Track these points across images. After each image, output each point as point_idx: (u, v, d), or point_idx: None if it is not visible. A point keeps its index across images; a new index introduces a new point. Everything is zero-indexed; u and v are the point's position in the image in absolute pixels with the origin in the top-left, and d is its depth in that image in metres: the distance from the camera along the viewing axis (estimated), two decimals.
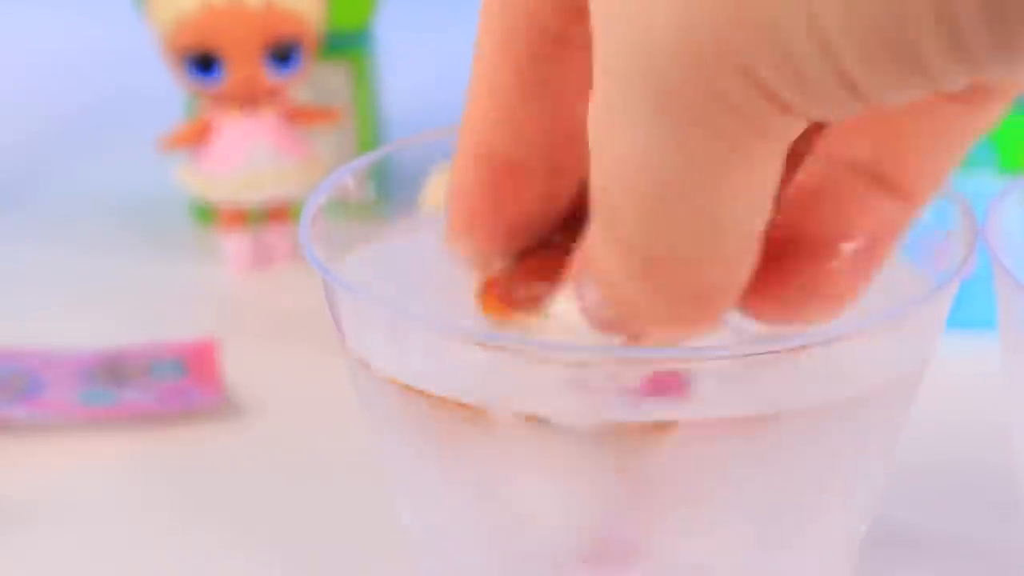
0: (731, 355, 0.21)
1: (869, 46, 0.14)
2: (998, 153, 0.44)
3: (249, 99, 0.45)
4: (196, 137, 0.46)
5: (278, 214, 0.47)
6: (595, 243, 0.18)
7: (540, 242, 0.22)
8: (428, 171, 0.33)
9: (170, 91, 0.49)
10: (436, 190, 0.32)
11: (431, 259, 0.27)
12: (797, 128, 0.16)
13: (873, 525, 0.25)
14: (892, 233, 0.20)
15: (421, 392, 0.22)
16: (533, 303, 0.21)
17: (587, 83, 0.17)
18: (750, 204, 0.17)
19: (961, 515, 0.33)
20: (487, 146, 0.21)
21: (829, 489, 0.23)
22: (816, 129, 0.19)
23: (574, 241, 0.20)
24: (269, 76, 0.44)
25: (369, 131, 0.50)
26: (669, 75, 0.15)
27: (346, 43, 0.49)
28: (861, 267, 0.20)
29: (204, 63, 0.44)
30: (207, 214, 0.48)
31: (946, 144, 0.19)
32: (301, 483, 0.35)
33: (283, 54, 0.44)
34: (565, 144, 0.20)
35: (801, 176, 0.19)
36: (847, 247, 0.20)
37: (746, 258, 0.18)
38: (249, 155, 0.45)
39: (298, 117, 0.46)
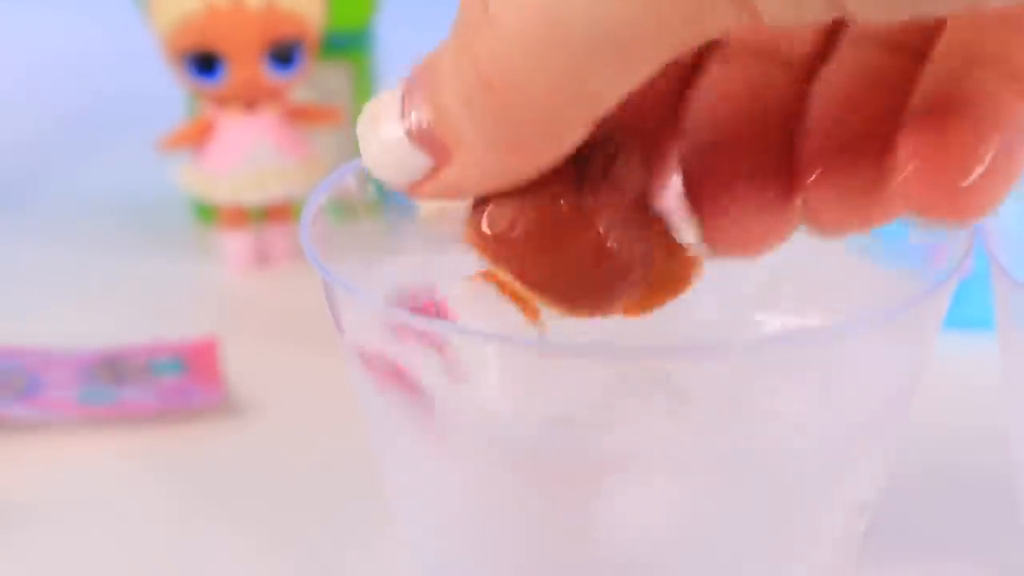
0: (729, 353, 0.21)
1: None
2: None
3: (250, 99, 0.45)
4: (197, 137, 0.46)
5: (278, 214, 0.47)
6: (448, 49, 0.18)
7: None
8: None
9: (171, 91, 0.49)
10: None
11: (430, 259, 0.27)
12: (732, 29, 0.16)
13: (872, 524, 0.25)
14: None
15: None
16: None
17: None
18: (623, 86, 0.16)
19: (960, 514, 0.33)
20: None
21: (828, 489, 0.23)
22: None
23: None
24: (270, 76, 0.44)
25: None
26: None
27: (346, 43, 0.49)
28: (1002, 169, 0.18)
29: (205, 63, 0.44)
30: (208, 213, 0.49)
31: None
32: (300, 481, 0.35)
33: (284, 54, 0.44)
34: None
35: (926, 83, 0.19)
36: (990, 148, 0.18)
37: (573, 136, 0.17)
38: (250, 155, 0.45)
39: (299, 117, 0.46)
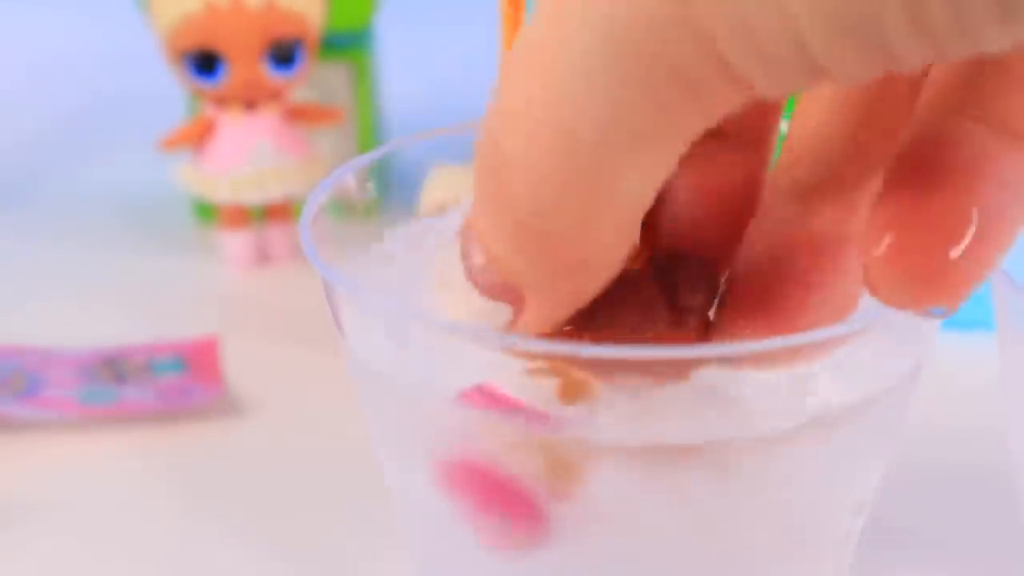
0: (726, 352, 0.21)
1: (834, 27, 0.14)
2: None
3: (250, 99, 0.45)
4: (197, 137, 0.46)
5: (279, 213, 0.47)
6: (478, 203, 0.18)
7: None
8: (428, 170, 0.33)
9: (172, 91, 0.49)
10: (435, 189, 0.33)
11: (431, 258, 0.27)
12: (732, 105, 0.16)
13: (870, 523, 0.25)
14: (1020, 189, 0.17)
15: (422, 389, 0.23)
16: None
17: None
18: (648, 183, 0.17)
19: (958, 514, 0.33)
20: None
21: (826, 488, 0.24)
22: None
23: None
24: (270, 76, 0.44)
25: (369, 130, 0.50)
26: (626, 32, 0.15)
27: (346, 43, 0.49)
28: (990, 237, 0.17)
29: (205, 63, 0.44)
30: (208, 213, 0.49)
31: None
32: (301, 479, 0.35)
33: (284, 54, 0.44)
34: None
35: (910, 144, 0.18)
36: (977, 211, 0.17)
37: (624, 241, 0.17)
38: (250, 155, 0.45)
39: (299, 117, 0.46)
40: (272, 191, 0.46)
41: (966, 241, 0.17)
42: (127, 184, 0.52)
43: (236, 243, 0.46)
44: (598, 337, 0.20)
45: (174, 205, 0.50)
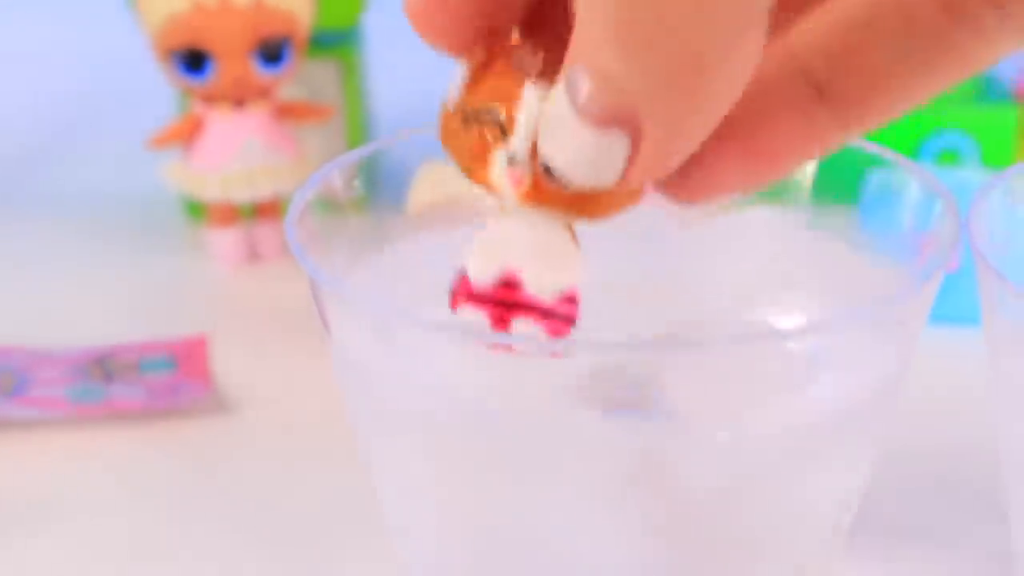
0: (715, 347, 0.21)
1: None
2: (981, 149, 0.44)
3: (239, 97, 0.45)
4: (186, 134, 0.46)
5: (268, 211, 0.47)
6: (582, 19, 0.16)
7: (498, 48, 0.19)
8: (416, 167, 0.33)
9: (161, 89, 0.49)
10: (424, 186, 0.33)
11: (419, 255, 0.27)
12: None
13: (857, 516, 0.26)
14: (811, 146, 0.18)
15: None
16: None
17: None
18: (760, 23, 0.16)
19: (945, 507, 0.33)
20: None
21: (813, 482, 0.24)
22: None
23: (532, 47, 0.18)
24: (259, 74, 0.44)
25: (358, 128, 0.50)
26: None
27: (335, 41, 0.49)
28: (762, 168, 0.18)
29: (194, 61, 0.44)
30: (198, 211, 0.49)
31: (906, 81, 0.18)
32: (290, 478, 0.35)
33: (272, 52, 0.44)
34: None
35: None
36: (762, 144, 0.18)
37: (747, 28, 0.16)
38: (239, 152, 0.45)
39: (288, 114, 0.46)
40: (261, 189, 0.46)
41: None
42: (116, 182, 0.52)
43: (225, 241, 0.46)
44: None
45: (163, 203, 0.50)
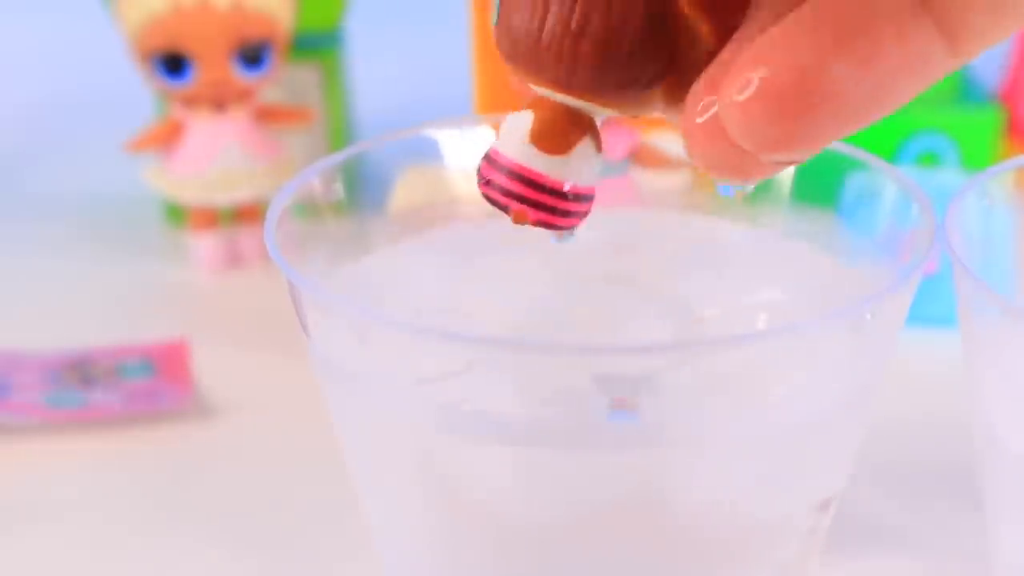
0: (692, 350, 0.21)
1: None
2: (960, 151, 0.44)
3: (219, 100, 0.45)
4: (165, 138, 0.45)
5: (249, 215, 0.46)
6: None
7: None
8: (397, 171, 0.33)
9: (141, 92, 0.49)
10: (406, 190, 0.33)
11: (400, 259, 0.27)
12: None
13: (837, 517, 0.26)
14: (920, 73, 0.17)
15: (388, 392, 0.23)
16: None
17: None
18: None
19: (922, 507, 0.33)
20: None
21: (792, 485, 0.24)
22: None
23: None
24: (239, 77, 0.44)
25: (340, 131, 0.50)
26: None
27: (316, 44, 0.49)
28: (879, 93, 0.17)
29: (173, 64, 0.44)
30: (178, 215, 0.48)
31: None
32: (270, 482, 0.35)
33: (253, 55, 0.44)
34: None
35: None
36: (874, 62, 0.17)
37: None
38: (219, 156, 0.45)
39: (269, 117, 0.46)
40: (242, 192, 0.45)
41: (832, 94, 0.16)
42: (96, 186, 0.52)
43: (206, 245, 0.46)
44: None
45: (144, 207, 0.50)
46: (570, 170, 0.19)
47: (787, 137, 0.17)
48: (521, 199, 0.19)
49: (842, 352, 0.23)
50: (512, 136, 0.19)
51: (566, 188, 0.19)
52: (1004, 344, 0.25)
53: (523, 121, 0.19)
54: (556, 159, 0.19)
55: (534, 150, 0.19)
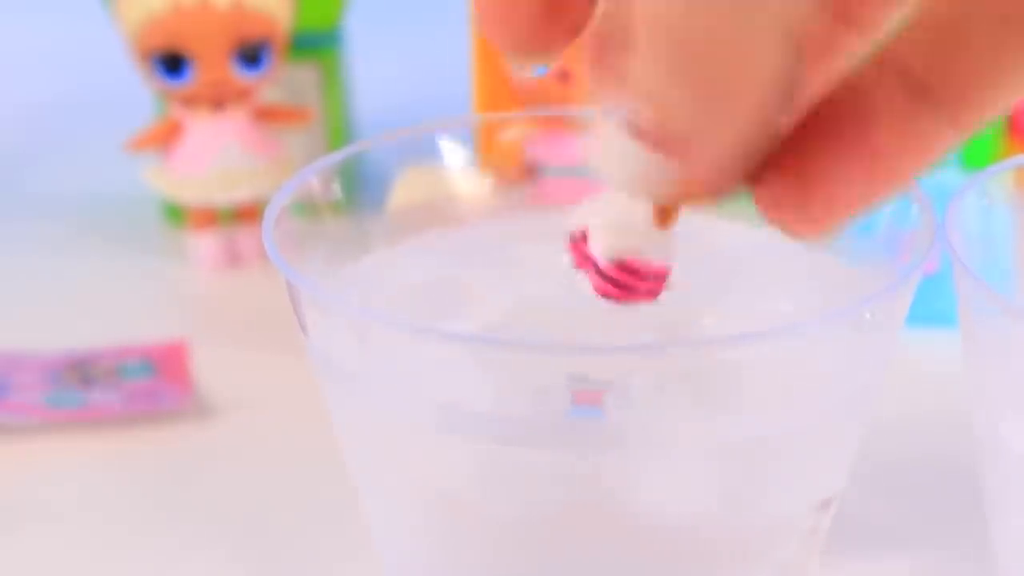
0: (692, 349, 0.21)
1: None
2: (961, 151, 0.44)
3: (218, 100, 0.45)
4: (164, 138, 0.45)
5: (248, 214, 0.46)
6: (638, 50, 0.17)
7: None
8: (396, 171, 0.33)
9: (140, 92, 0.49)
10: (404, 189, 0.33)
11: (399, 258, 0.27)
12: None
13: (838, 518, 0.26)
14: (922, 148, 0.18)
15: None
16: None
17: None
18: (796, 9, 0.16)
19: (923, 507, 0.33)
20: None
21: (792, 485, 0.24)
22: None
23: None
24: (238, 76, 0.44)
25: (339, 131, 0.50)
26: None
27: (315, 43, 0.49)
28: (880, 177, 0.18)
29: (172, 64, 0.44)
30: (177, 214, 0.48)
31: (1007, 72, 0.18)
32: (270, 482, 0.35)
33: (252, 54, 0.44)
34: None
35: (845, 77, 0.18)
36: (872, 152, 0.18)
37: (784, 68, 0.16)
38: (219, 155, 0.45)
39: (268, 117, 0.46)
40: (241, 192, 0.45)
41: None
42: (95, 186, 0.52)
43: (205, 245, 0.46)
44: None
45: (143, 207, 0.50)
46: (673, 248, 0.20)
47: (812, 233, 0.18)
48: (627, 287, 0.20)
49: (842, 352, 0.23)
50: (621, 227, 0.20)
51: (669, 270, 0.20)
52: (1004, 343, 0.25)
53: (629, 209, 0.19)
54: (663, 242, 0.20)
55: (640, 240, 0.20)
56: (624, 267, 0.20)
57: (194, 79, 0.44)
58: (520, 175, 0.37)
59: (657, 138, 0.17)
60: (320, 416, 0.27)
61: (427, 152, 0.28)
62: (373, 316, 0.22)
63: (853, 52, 0.19)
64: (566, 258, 0.20)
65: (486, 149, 0.29)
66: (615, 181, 0.18)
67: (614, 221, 0.20)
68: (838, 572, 0.31)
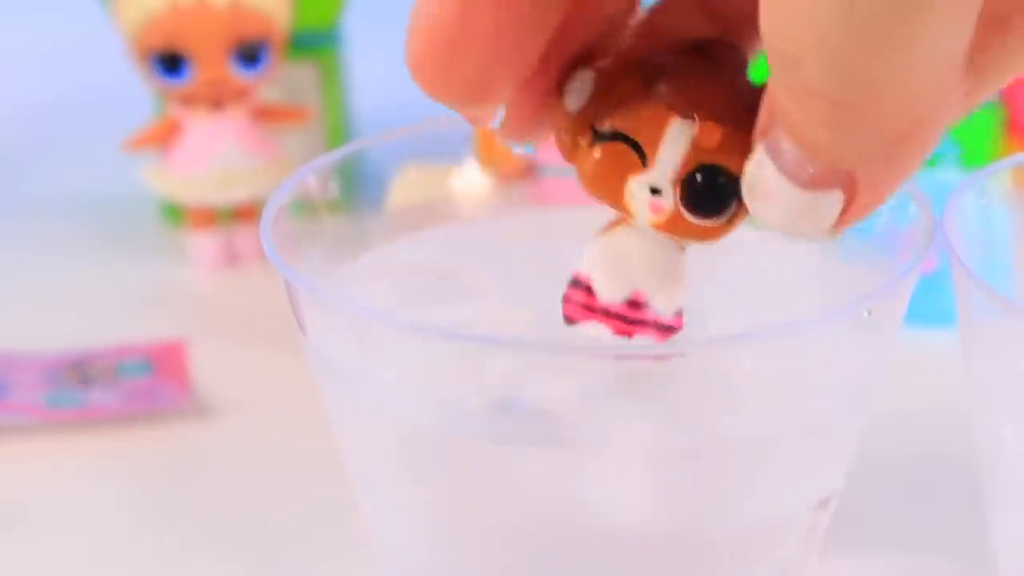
0: (692, 348, 0.21)
1: None
2: (961, 149, 0.44)
3: (217, 99, 0.45)
4: (163, 137, 0.45)
5: (247, 214, 0.46)
6: (782, 97, 0.17)
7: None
8: (395, 169, 0.33)
9: (139, 91, 0.49)
10: (403, 188, 0.33)
11: (398, 257, 0.27)
12: None
13: (837, 517, 0.26)
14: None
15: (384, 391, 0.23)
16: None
17: None
18: (946, 47, 0.16)
19: (923, 507, 0.33)
20: None
21: (791, 484, 0.24)
22: None
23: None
24: (237, 76, 0.44)
25: (338, 130, 0.50)
26: None
27: (314, 42, 0.49)
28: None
29: (171, 63, 0.44)
30: (176, 214, 0.48)
31: None
32: (269, 482, 0.35)
33: (250, 54, 0.44)
34: None
35: None
36: None
37: (947, 88, 0.16)
38: (217, 155, 0.45)
39: (266, 116, 0.46)
40: (240, 192, 0.45)
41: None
42: (93, 185, 0.52)
43: (204, 244, 0.46)
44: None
45: (141, 206, 0.50)
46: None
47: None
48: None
49: (840, 350, 0.23)
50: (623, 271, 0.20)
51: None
52: (1003, 342, 0.25)
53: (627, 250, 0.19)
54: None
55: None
56: (634, 303, 0.20)
57: (193, 79, 0.44)
58: (519, 174, 0.37)
59: (819, 180, 0.17)
60: (319, 415, 0.27)
61: (426, 151, 0.28)
62: (371, 315, 0.22)
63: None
64: (565, 318, 0.20)
65: (485, 148, 0.29)
66: (774, 223, 0.18)
67: (616, 263, 0.20)
68: (838, 572, 0.31)
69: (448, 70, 0.18)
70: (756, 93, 0.18)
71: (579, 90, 0.19)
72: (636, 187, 0.18)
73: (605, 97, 0.19)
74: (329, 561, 0.32)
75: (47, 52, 0.64)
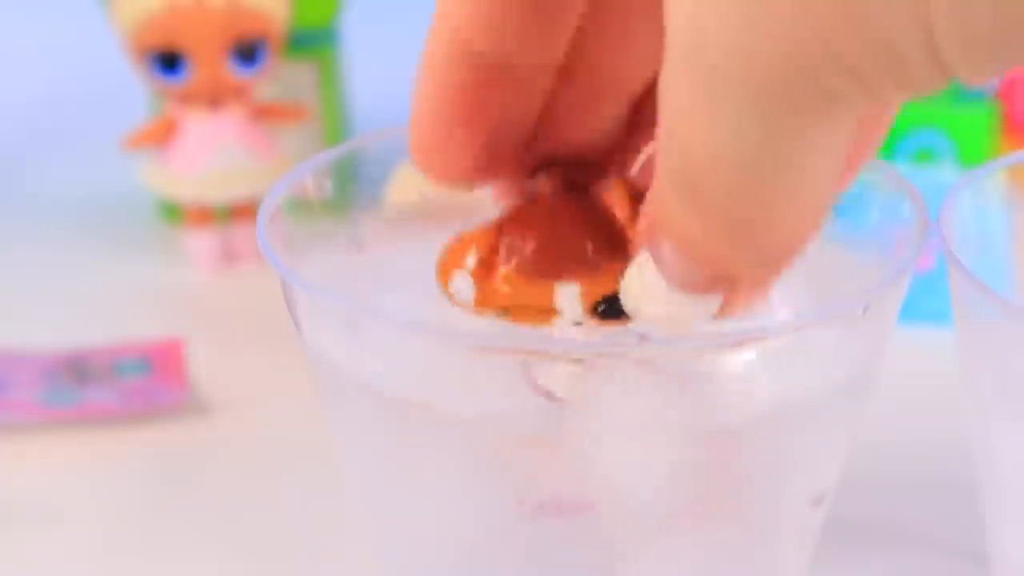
0: (685, 344, 0.21)
1: (975, 41, 0.15)
2: (957, 148, 0.44)
3: (214, 98, 0.45)
4: (161, 136, 0.45)
5: (244, 212, 0.46)
6: (670, 211, 0.18)
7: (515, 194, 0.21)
8: (393, 167, 0.33)
9: (137, 90, 0.49)
10: (401, 186, 0.33)
11: (395, 256, 0.27)
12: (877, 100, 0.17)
13: (831, 514, 0.26)
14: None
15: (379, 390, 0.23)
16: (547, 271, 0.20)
17: None
18: (830, 166, 0.17)
19: (917, 505, 0.33)
20: (468, 43, 0.20)
21: (785, 480, 0.24)
22: None
23: (557, 192, 0.20)
24: (234, 74, 0.44)
25: (336, 128, 0.50)
26: (774, 75, 0.16)
27: (312, 41, 0.49)
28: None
29: (169, 62, 0.44)
30: (173, 213, 0.48)
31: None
32: (266, 480, 0.35)
33: (248, 52, 0.44)
34: (558, 40, 0.20)
35: None
36: None
37: (826, 206, 0.18)
38: (215, 154, 0.45)
39: (264, 115, 0.46)
40: (238, 190, 0.45)
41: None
42: (91, 184, 0.52)
43: (202, 243, 0.46)
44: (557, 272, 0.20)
45: (139, 205, 0.50)
46: None
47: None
48: None
49: (834, 347, 0.23)
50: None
51: None
52: (999, 341, 0.25)
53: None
54: None
55: None
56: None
57: (190, 77, 0.44)
58: None
59: (701, 285, 0.19)
60: (316, 414, 0.27)
61: None
62: (368, 314, 0.22)
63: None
64: None
65: None
66: (659, 322, 0.20)
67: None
68: (834, 572, 0.31)
69: (435, 169, 0.21)
70: (611, 215, 0.20)
71: (462, 290, 0.21)
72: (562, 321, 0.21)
73: (489, 287, 0.21)
74: (327, 560, 0.32)
75: (45, 51, 0.64)
